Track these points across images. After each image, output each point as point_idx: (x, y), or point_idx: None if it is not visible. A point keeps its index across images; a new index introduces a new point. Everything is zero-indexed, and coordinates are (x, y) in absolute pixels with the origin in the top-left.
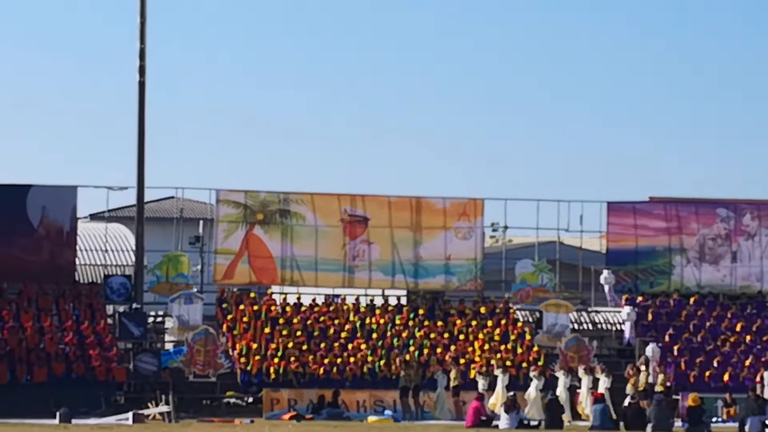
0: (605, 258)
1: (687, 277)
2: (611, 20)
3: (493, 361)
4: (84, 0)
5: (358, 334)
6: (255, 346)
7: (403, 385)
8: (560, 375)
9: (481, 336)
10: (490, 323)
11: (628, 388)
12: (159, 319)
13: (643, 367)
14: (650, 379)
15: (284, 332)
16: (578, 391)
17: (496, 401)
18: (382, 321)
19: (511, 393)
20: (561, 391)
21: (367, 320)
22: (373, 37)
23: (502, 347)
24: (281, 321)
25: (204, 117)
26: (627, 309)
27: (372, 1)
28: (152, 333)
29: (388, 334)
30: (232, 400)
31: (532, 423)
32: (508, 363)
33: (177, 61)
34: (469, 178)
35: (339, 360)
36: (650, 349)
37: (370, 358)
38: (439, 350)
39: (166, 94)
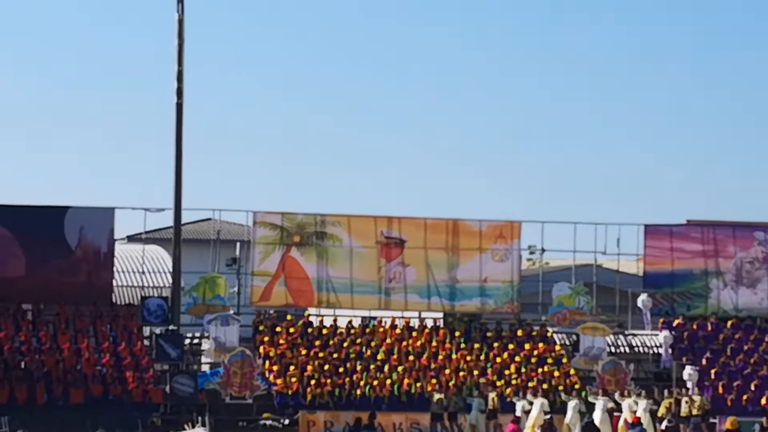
0: (642, 281)
1: (724, 301)
2: (646, 45)
3: (531, 384)
4: (121, 21)
5: (395, 357)
6: (292, 368)
7: (434, 410)
8: (595, 400)
9: (517, 359)
10: (527, 346)
11: (662, 411)
12: (196, 341)
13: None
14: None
15: (321, 354)
16: (616, 414)
17: (533, 424)
18: (418, 343)
19: (548, 416)
20: (598, 414)
21: (404, 343)
22: (408, 62)
23: (539, 370)
24: (318, 343)
25: (241, 139)
26: (664, 332)
27: (411, 29)
28: (189, 355)
29: (425, 356)
30: (269, 422)
31: None
32: (544, 386)
33: (214, 83)
34: (506, 201)
35: (375, 382)
36: (687, 373)
37: (406, 381)
38: (476, 373)
39: (203, 116)
